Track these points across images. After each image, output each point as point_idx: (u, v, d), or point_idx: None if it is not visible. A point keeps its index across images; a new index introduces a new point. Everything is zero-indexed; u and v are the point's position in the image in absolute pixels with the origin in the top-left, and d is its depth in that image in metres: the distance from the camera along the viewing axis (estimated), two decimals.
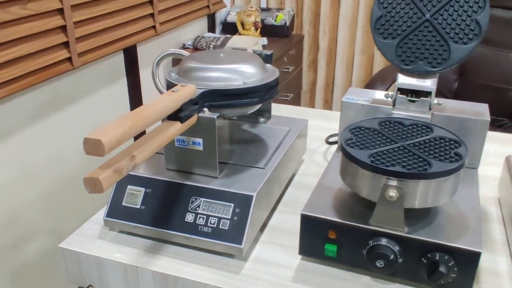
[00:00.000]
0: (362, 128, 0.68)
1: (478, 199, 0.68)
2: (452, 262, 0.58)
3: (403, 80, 0.74)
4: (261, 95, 0.73)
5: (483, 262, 0.68)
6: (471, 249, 0.57)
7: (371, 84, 1.92)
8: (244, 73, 0.72)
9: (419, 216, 0.63)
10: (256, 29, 2.33)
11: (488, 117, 0.73)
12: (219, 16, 2.54)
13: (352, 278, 0.65)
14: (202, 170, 0.71)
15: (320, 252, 0.65)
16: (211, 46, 2.03)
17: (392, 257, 0.59)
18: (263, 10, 2.47)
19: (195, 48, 2.06)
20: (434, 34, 0.71)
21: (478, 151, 0.75)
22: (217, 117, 0.68)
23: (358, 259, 0.63)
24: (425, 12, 0.71)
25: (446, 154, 0.61)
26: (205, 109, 0.68)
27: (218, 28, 2.54)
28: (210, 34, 2.30)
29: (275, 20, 2.39)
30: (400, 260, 0.60)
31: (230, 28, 2.44)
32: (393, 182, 0.57)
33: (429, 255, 0.59)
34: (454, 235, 0.59)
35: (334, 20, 2.48)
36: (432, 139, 0.65)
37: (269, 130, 0.88)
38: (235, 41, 2.10)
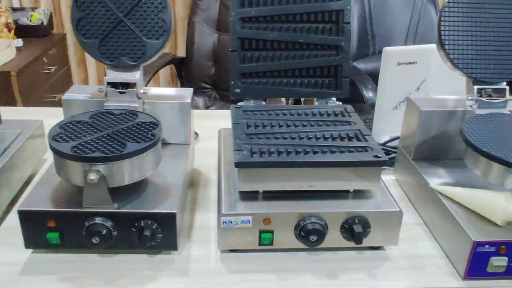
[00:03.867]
0: (73, 123, 0.74)
1: (184, 169, 0.80)
2: (155, 225, 0.68)
3: (111, 74, 0.82)
4: None
5: (197, 220, 0.81)
6: (168, 211, 0.68)
7: None
8: None
9: (131, 191, 0.72)
10: (9, 31, 2.19)
11: (189, 100, 0.86)
12: None
13: (79, 259, 0.71)
14: None
15: (45, 242, 0.69)
16: None
17: (105, 232, 0.67)
18: (15, 10, 2.33)
19: None
20: (131, 32, 0.80)
21: (186, 129, 0.88)
22: None
23: (80, 240, 0.69)
24: (119, 13, 0.80)
25: (143, 136, 0.71)
26: None
27: None
28: None
29: (31, 20, 2.28)
30: (115, 233, 0.68)
31: None
32: (93, 167, 0.65)
33: (136, 224, 0.68)
34: (156, 203, 0.70)
35: None
36: (135, 124, 0.75)
37: None
38: None
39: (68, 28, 2.51)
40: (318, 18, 0.91)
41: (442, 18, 0.79)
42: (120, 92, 0.82)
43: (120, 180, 0.68)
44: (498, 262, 0.67)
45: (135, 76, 0.82)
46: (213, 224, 0.80)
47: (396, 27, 2.19)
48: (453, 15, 0.79)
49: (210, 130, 1.12)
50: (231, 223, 0.70)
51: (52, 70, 2.23)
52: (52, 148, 0.67)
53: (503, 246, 0.66)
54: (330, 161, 0.70)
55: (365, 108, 1.70)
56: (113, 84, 0.82)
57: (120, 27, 0.80)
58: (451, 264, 0.73)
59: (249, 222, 0.70)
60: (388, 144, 1.04)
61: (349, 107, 0.90)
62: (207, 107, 2.13)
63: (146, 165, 0.70)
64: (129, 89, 0.82)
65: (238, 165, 0.69)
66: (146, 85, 1.94)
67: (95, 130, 0.72)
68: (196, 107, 2.11)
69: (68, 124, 0.74)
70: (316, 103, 0.93)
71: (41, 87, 2.14)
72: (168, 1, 0.80)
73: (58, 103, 2.28)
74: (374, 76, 2.04)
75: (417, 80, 1.09)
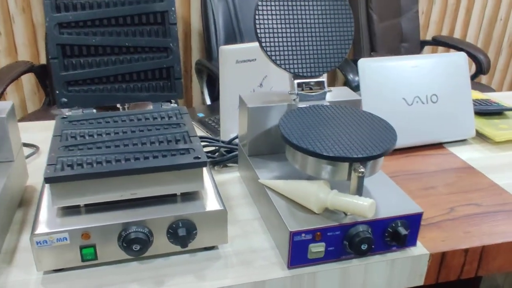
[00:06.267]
0: None
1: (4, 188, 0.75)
2: None
3: None
4: None
5: (23, 243, 0.76)
6: None
7: None
8: None
9: None
10: None
11: (4, 115, 0.80)
12: None
13: None
14: None
15: None
16: None
17: None
18: None
19: None
20: None
21: (6, 145, 0.81)
22: None
23: None
24: None
25: None
26: None
27: None
28: None
29: None
30: None
31: None
32: None
33: None
34: None
35: None
36: None
37: None
38: None
39: None
40: (143, 20, 0.89)
41: (257, 17, 0.81)
42: None
43: None
44: (316, 248, 0.70)
45: None
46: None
47: None
48: (267, 13, 0.82)
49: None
50: (46, 242, 0.66)
51: None
52: None
53: (318, 233, 0.70)
54: (146, 167, 0.69)
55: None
56: None
57: None
58: (279, 255, 0.75)
59: (66, 239, 0.66)
60: (234, 141, 1.05)
61: (183, 109, 0.90)
62: None
63: None
64: None
65: (47, 180, 0.66)
66: (1, 96, 1.80)
67: None
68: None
69: None
70: (151, 106, 0.91)
71: None
72: None
73: None
74: None
75: (258, 77, 1.12)
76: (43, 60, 2.23)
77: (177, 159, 0.71)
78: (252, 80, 1.10)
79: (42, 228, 0.66)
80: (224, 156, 1.00)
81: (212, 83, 2.18)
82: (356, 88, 2.20)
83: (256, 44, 1.10)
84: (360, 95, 1.07)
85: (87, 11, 0.86)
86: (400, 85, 1.10)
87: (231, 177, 0.98)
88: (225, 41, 2.16)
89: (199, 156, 0.72)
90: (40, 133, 1.16)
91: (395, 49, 2.51)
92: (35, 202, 0.87)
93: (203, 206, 0.72)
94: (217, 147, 1.03)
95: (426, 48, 2.70)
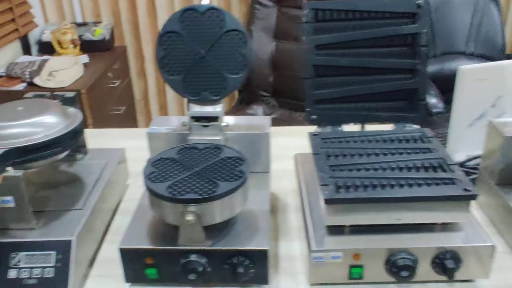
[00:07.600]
0: (162, 160, 0.77)
1: (268, 201, 0.82)
2: (248, 261, 0.70)
3: (195, 108, 0.84)
4: (65, 144, 0.77)
5: (281, 249, 0.83)
6: (260, 248, 0.70)
7: None
8: (44, 124, 0.76)
9: (221, 228, 0.74)
10: (75, 47, 2.29)
11: (268, 130, 0.88)
12: (33, 36, 2.43)
13: None
14: (18, 225, 0.74)
15: (143, 276, 0.73)
16: (27, 72, 1.95)
17: (201, 269, 0.70)
18: (79, 25, 2.42)
19: (9, 77, 1.97)
20: (212, 68, 0.83)
21: (266, 158, 0.89)
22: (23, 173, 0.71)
23: (176, 276, 0.72)
24: (200, 50, 0.82)
25: (231, 173, 0.73)
26: (9, 168, 0.71)
27: (34, 48, 2.43)
28: (25, 58, 2.20)
29: (94, 35, 2.37)
30: (209, 270, 0.71)
31: (47, 48, 2.34)
32: (189, 208, 0.68)
33: (229, 261, 0.71)
34: (248, 239, 0.72)
35: (154, 29, 2.54)
36: (221, 160, 0.77)
37: (86, 166, 0.93)
38: (53, 63, 2.05)
39: (128, 40, 2.58)
40: (393, 42, 0.90)
41: None
42: (204, 125, 0.84)
43: (212, 219, 0.70)
44: None
45: (217, 109, 0.85)
46: (297, 254, 0.81)
47: (458, 28, 2.13)
48: None
49: (278, 150, 1.13)
50: (321, 258, 0.71)
51: (116, 83, 2.31)
52: (149, 189, 0.70)
53: None
54: (419, 196, 0.70)
55: (433, 121, 1.66)
56: (196, 118, 0.85)
57: (202, 63, 0.83)
58: None
59: (339, 257, 0.71)
60: (466, 163, 1.02)
61: (428, 132, 0.89)
62: (266, 115, 2.15)
63: (235, 203, 0.72)
64: (211, 123, 0.84)
65: (328, 201, 0.70)
66: None
67: (185, 167, 0.75)
68: (255, 115, 2.13)
69: (158, 161, 0.77)
70: (393, 127, 0.92)
71: (107, 102, 2.23)
72: (248, 36, 0.82)
73: (124, 114, 2.37)
74: (436, 80, 2.00)
75: (491, 97, 1.06)
76: None
77: (444, 190, 0.71)
78: (484, 99, 1.05)
79: (318, 246, 0.71)
80: None
81: None
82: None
83: (493, 64, 1.04)
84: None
85: (340, 34, 0.89)
86: None
87: None
88: None
89: (469, 189, 0.71)
90: None
91: None
92: (280, 209, 0.94)
93: (470, 239, 0.72)
94: None
95: None
